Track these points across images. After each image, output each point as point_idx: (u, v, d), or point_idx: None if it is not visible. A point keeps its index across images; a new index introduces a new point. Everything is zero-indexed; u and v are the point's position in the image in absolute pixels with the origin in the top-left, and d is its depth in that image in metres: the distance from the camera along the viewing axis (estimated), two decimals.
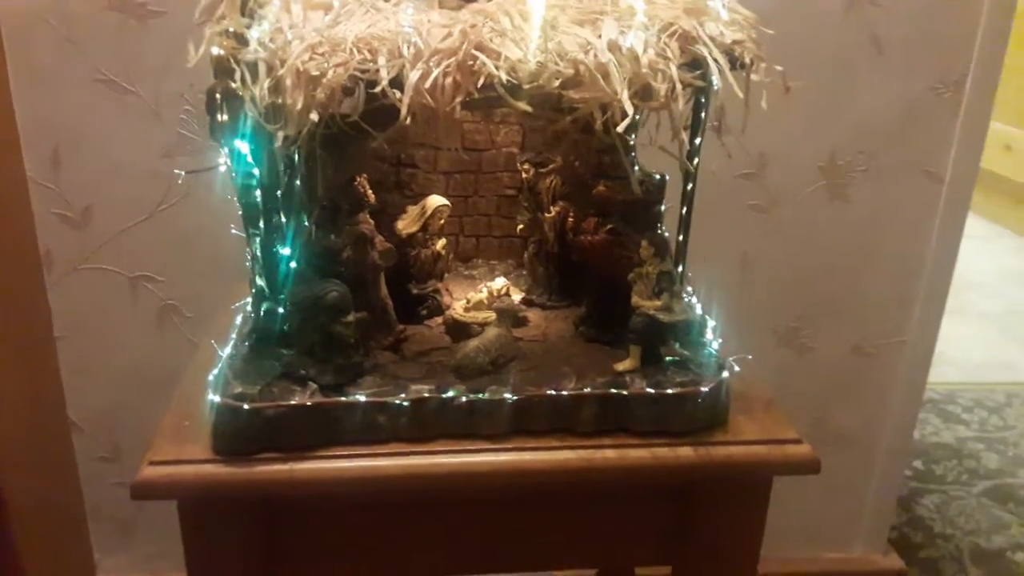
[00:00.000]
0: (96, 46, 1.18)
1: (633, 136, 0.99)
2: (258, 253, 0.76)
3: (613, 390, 0.82)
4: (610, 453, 0.81)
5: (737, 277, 1.43)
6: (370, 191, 0.87)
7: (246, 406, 0.74)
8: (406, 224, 0.92)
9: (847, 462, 1.58)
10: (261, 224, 0.74)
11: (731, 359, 0.87)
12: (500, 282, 0.94)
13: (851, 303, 1.48)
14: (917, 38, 1.30)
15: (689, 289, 0.96)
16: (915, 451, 2.11)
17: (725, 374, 0.85)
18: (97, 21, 1.16)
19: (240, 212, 0.75)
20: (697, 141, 0.86)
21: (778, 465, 0.84)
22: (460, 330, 0.89)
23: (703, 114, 0.83)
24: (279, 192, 0.75)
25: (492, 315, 0.90)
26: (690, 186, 0.89)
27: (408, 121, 0.67)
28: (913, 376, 1.53)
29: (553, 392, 0.80)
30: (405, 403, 0.77)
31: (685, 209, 0.91)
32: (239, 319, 0.86)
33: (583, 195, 0.96)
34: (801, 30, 1.26)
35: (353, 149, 0.80)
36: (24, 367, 1.25)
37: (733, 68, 0.76)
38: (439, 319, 0.94)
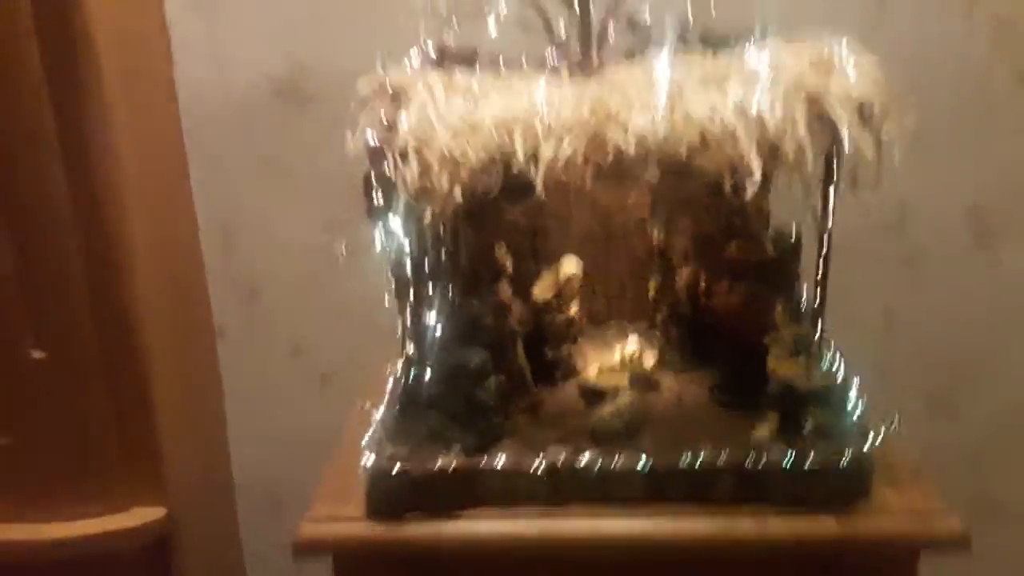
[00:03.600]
0: (261, 132, 1.30)
1: (766, 196, 0.99)
2: (408, 322, 0.81)
3: (750, 459, 0.80)
4: (747, 524, 0.79)
5: (881, 336, 1.37)
6: (508, 259, 0.91)
7: (396, 469, 0.78)
8: (541, 290, 0.95)
9: (1012, 539, 1.46)
10: (411, 294, 0.80)
11: (876, 426, 0.84)
12: (633, 346, 0.96)
13: (1006, 363, 1.38)
14: None
15: (829, 352, 0.94)
16: None
17: (868, 443, 0.82)
18: (263, 108, 1.28)
19: (392, 284, 0.81)
20: (830, 200, 0.84)
21: (925, 539, 0.80)
22: (594, 395, 0.91)
23: (835, 171, 0.82)
24: (427, 265, 0.80)
25: (625, 379, 0.91)
26: (825, 247, 0.88)
27: (543, 195, 0.71)
28: None
29: (688, 461, 0.80)
30: (541, 468, 0.79)
31: (822, 270, 0.89)
32: (390, 384, 0.91)
33: (715, 257, 0.96)
34: (941, 69, 1.21)
35: (493, 220, 0.84)
36: (196, 430, 1.35)
37: (862, 122, 0.75)
38: (573, 382, 0.96)
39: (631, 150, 0.72)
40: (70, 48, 0.98)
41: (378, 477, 0.79)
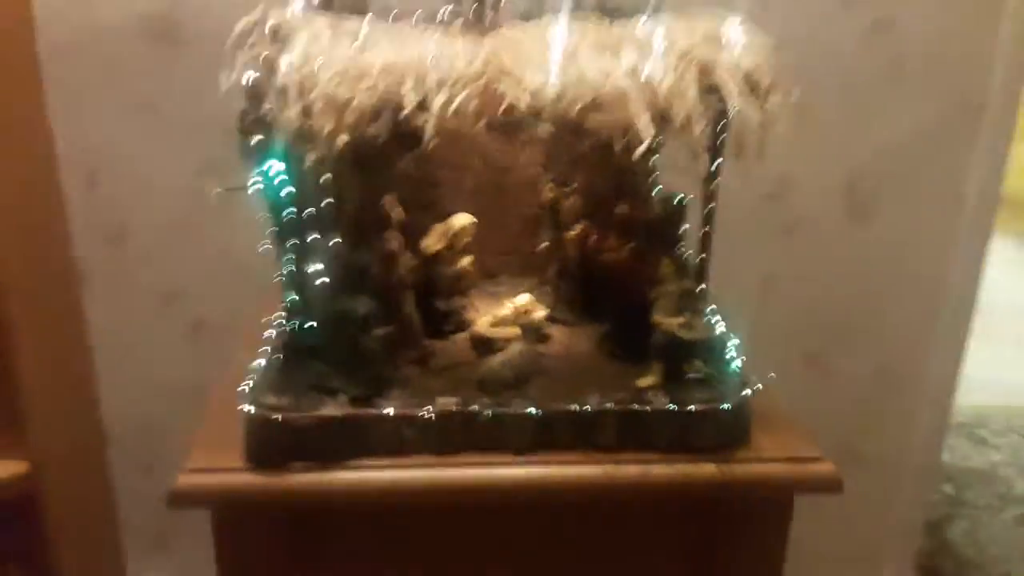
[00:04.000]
0: (131, 71, 1.24)
1: (654, 158, 1.01)
2: (288, 270, 0.79)
3: (635, 406, 0.83)
4: (632, 468, 0.82)
5: (759, 298, 1.44)
6: (398, 209, 0.90)
7: (278, 417, 0.77)
8: (432, 242, 0.94)
9: (873, 485, 1.57)
10: (292, 241, 0.77)
11: (753, 378, 0.88)
12: (524, 299, 0.96)
13: (874, 325, 1.48)
14: (937, 61, 1.31)
15: (711, 307, 0.98)
16: (945, 476, 2.09)
17: (747, 391, 0.85)
18: (132, 47, 1.22)
19: (272, 230, 0.78)
20: (716, 164, 0.88)
21: (799, 483, 0.84)
22: (485, 345, 0.91)
23: (722, 138, 0.85)
24: (309, 211, 0.78)
25: (516, 331, 0.92)
26: (710, 206, 0.91)
27: (432, 144, 0.70)
28: (939, 398, 1.53)
29: (576, 407, 0.82)
30: (431, 416, 0.79)
31: (705, 228, 0.93)
32: (270, 333, 0.89)
33: (605, 215, 0.98)
34: (822, 55, 1.28)
35: (380, 170, 0.83)
36: (61, 379, 1.29)
37: (750, 94, 0.78)
38: (464, 334, 0.96)
39: (523, 105, 0.73)
40: None
41: (258, 425, 0.77)
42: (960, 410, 1.89)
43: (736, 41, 0.82)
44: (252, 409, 0.77)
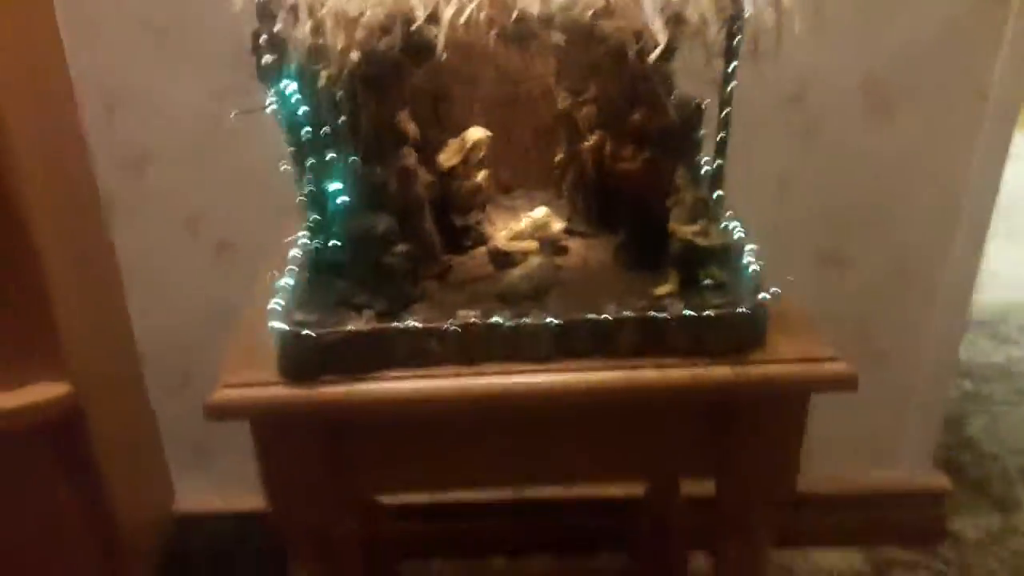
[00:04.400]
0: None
1: (669, 63, 1.00)
2: (308, 189, 0.80)
3: (652, 313, 0.84)
4: (650, 372, 0.84)
5: (776, 200, 1.43)
6: (412, 125, 0.90)
7: (308, 332, 0.79)
8: (447, 157, 0.95)
9: (891, 380, 1.59)
10: (310, 161, 0.78)
11: (769, 281, 0.89)
12: (541, 212, 0.97)
13: (893, 223, 1.47)
14: None
15: (728, 214, 0.98)
16: (964, 372, 2.11)
17: (762, 295, 0.86)
18: None
19: (289, 150, 0.79)
20: (731, 66, 0.87)
21: (814, 382, 0.86)
22: (503, 259, 0.93)
23: (736, 39, 0.84)
24: (326, 129, 0.79)
25: (534, 244, 0.93)
26: (726, 111, 0.90)
27: (444, 56, 0.70)
28: (957, 294, 1.53)
29: (594, 316, 0.84)
30: (453, 328, 0.82)
31: (721, 134, 0.92)
32: (293, 252, 0.91)
33: (620, 123, 0.97)
34: None
35: (393, 85, 0.83)
36: (93, 302, 1.33)
37: None
38: (482, 249, 0.97)
39: (535, 12, 0.72)
40: None
41: (289, 341, 0.79)
42: (982, 307, 1.90)
43: None
44: (282, 326, 0.79)
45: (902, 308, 1.54)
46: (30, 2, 1.18)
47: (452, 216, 0.96)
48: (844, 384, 0.85)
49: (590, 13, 0.73)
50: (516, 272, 0.89)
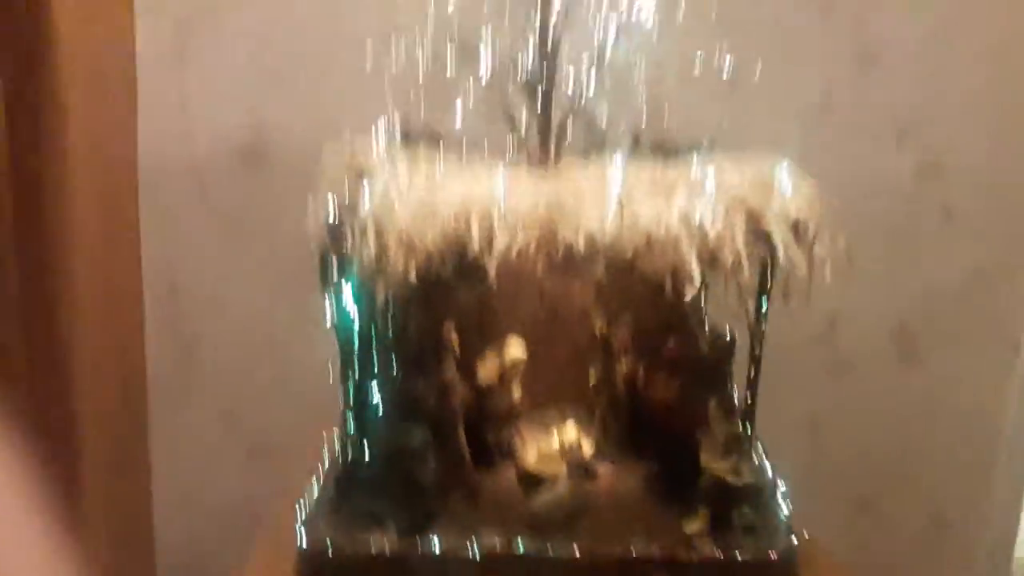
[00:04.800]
0: (219, 191, 1.31)
1: (704, 297, 1.03)
2: (350, 396, 0.82)
3: (681, 553, 0.82)
4: None
5: (808, 440, 1.42)
6: (455, 338, 0.93)
7: (330, 550, 0.78)
8: (486, 372, 0.96)
9: None
10: (356, 368, 0.80)
11: (800, 525, 0.87)
12: (571, 432, 0.97)
13: (928, 471, 1.45)
14: (986, 206, 1.33)
15: (759, 450, 0.97)
16: None
17: (795, 540, 0.84)
18: (224, 172, 1.30)
19: (340, 356, 0.82)
20: (763, 307, 0.89)
21: None
22: (532, 482, 0.92)
23: (769, 281, 0.87)
24: (374, 340, 0.82)
25: (563, 468, 0.92)
26: (757, 349, 0.92)
27: (495, 282, 0.74)
28: (998, 547, 1.47)
29: (621, 552, 0.82)
30: (476, 554, 0.80)
31: (753, 371, 0.94)
32: (327, 459, 0.91)
33: (654, 351, 0.99)
34: (871, 198, 1.31)
35: (444, 301, 0.86)
36: (117, 492, 1.31)
37: (797, 240, 0.81)
38: (511, 466, 0.96)
39: (580, 247, 0.76)
40: (36, 90, 1.00)
41: (312, 557, 0.78)
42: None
43: (784, 186, 0.85)
44: (306, 541, 0.78)
45: (941, 557, 1.48)
46: (116, 190, 1.26)
47: (485, 430, 0.96)
48: None
49: (631, 251, 0.77)
50: (544, 497, 0.88)
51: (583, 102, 0.91)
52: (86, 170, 1.08)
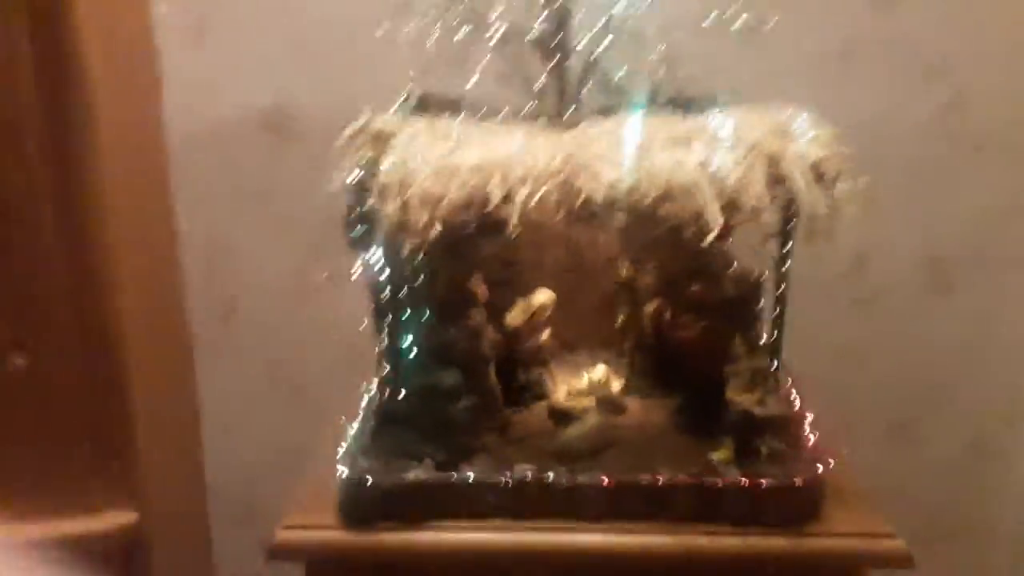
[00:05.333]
0: (248, 162, 1.36)
1: (726, 242, 1.05)
2: (384, 344, 0.87)
3: (707, 480, 0.85)
4: (703, 539, 0.84)
5: (841, 370, 1.43)
6: (483, 287, 0.97)
7: (369, 479, 0.83)
8: (514, 317, 1.01)
9: (964, 561, 1.52)
10: (388, 319, 0.85)
11: (827, 452, 0.89)
12: (600, 371, 1.01)
13: (964, 398, 1.45)
14: (1012, 135, 1.31)
15: (787, 383, 1.00)
16: None
17: (819, 467, 0.87)
18: (250, 140, 1.35)
19: (371, 308, 0.86)
20: (786, 248, 0.91)
21: (870, 558, 0.85)
22: (562, 416, 0.96)
23: (791, 223, 0.89)
24: (404, 292, 0.86)
25: (592, 403, 0.97)
26: (781, 288, 0.94)
27: (516, 233, 0.77)
28: None
29: (648, 479, 0.85)
30: (509, 483, 0.85)
31: (778, 310, 0.96)
32: (365, 401, 0.97)
33: (680, 293, 1.01)
34: (900, 137, 1.30)
35: (468, 254, 0.90)
36: (171, 439, 1.39)
37: (817, 183, 0.82)
38: (543, 404, 1.01)
39: (600, 198, 0.79)
40: (62, 69, 1.03)
41: (351, 488, 0.84)
42: None
43: (803, 132, 0.86)
44: (346, 472, 0.84)
45: (976, 482, 1.49)
46: (147, 165, 1.31)
47: (516, 372, 1.01)
48: (900, 561, 0.84)
49: (651, 199, 0.79)
50: (574, 430, 0.92)
51: (598, 59, 0.92)
52: (116, 143, 1.12)
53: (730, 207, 0.80)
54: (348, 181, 0.79)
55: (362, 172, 0.79)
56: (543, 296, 1.02)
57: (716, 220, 0.78)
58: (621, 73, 0.93)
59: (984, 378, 1.44)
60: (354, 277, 0.83)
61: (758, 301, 0.99)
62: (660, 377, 1.05)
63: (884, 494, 0.91)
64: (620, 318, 1.10)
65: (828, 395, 0.99)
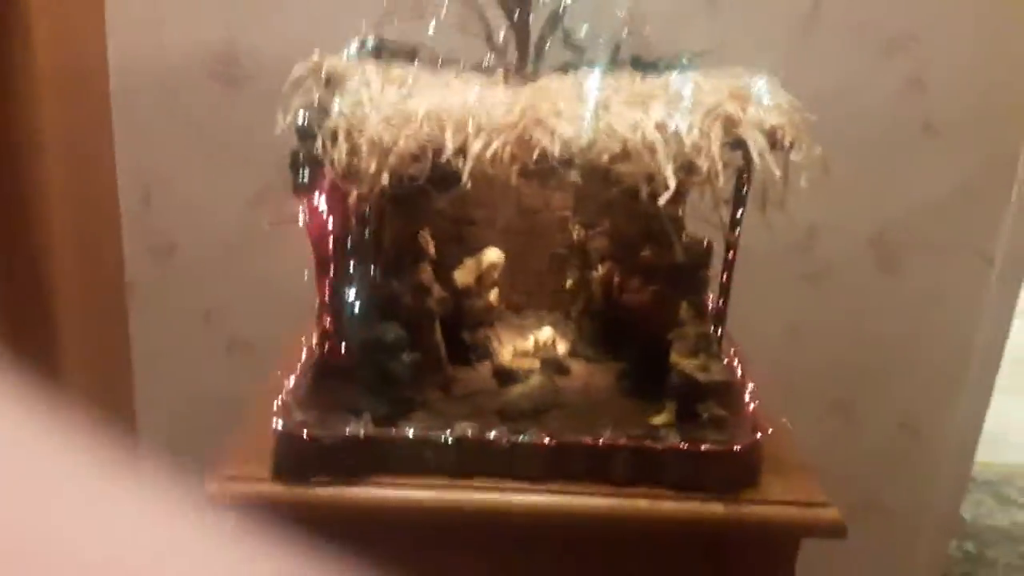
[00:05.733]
0: (193, 101, 1.31)
1: (680, 206, 1.05)
2: (326, 296, 0.84)
3: (647, 442, 0.86)
4: (641, 503, 0.85)
5: (785, 345, 1.46)
6: (431, 244, 0.95)
7: (304, 433, 0.81)
8: (462, 275, 0.99)
9: (893, 536, 1.57)
10: (331, 270, 0.83)
11: (767, 421, 0.90)
12: (547, 333, 1.01)
13: (899, 378, 1.49)
14: (968, 120, 1.33)
15: (730, 351, 1.00)
16: (968, 533, 2.06)
17: (758, 435, 0.88)
18: (195, 82, 1.30)
19: (313, 259, 0.84)
20: (738, 214, 0.91)
21: (805, 527, 0.86)
22: (506, 376, 0.95)
23: (745, 189, 0.89)
24: (350, 243, 0.84)
25: (537, 364, 0.96)
26: (730, 255, 0.95)
27: (468, 186, 0.75)
28: (962, 452, 1.53)
29: (589, 440, 0.85)
30: (449, 440, 0.83)
31: (725, 276, 0.96)
32: (304, 354, 0.94)
33: (630, 258, 1.01)
34: (854, 113, 1.31)
35: (418, 207, 0.88)
36: (102, 380, 1.36)
37: (773, 149, 0.82)
38: (487, 364, 1.00)
39: (555, 153, 0.77)
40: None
41: (286, 440, 0.82)
42: (988, 468, 1.88)
43: (761, 98, 0.86)
44: (281, 424, 0.82)
45: (907, 462, 1.53)
46: (87, 99, 1.27)
47: (461, 331, 1.00)
48: (834, 531, 0.85)
49: (607, 156, 0.78)
50: (517, 389, 0.91)
51: (561, 14, 0.90)
52: (54, 75, 1.08)
53: (685, 169, 0.80)
54: (296, 124, 0.76)
55: (310, 115, 0.76)
56: (493, 255, 1.01)
57: (670, 181, 0.77)
58: (584, 30, 0.91)
59: (920, 361, 1.47)
60: (298, 224, 0.80)
61: (708, 268, 1.00)
62: (607, 340, 1.05)
63: (821, 468, 0.92)
64: (569, 281, 1.09)
65: (771, 366, 1.00)
